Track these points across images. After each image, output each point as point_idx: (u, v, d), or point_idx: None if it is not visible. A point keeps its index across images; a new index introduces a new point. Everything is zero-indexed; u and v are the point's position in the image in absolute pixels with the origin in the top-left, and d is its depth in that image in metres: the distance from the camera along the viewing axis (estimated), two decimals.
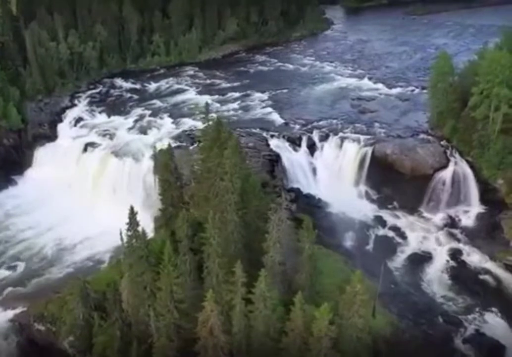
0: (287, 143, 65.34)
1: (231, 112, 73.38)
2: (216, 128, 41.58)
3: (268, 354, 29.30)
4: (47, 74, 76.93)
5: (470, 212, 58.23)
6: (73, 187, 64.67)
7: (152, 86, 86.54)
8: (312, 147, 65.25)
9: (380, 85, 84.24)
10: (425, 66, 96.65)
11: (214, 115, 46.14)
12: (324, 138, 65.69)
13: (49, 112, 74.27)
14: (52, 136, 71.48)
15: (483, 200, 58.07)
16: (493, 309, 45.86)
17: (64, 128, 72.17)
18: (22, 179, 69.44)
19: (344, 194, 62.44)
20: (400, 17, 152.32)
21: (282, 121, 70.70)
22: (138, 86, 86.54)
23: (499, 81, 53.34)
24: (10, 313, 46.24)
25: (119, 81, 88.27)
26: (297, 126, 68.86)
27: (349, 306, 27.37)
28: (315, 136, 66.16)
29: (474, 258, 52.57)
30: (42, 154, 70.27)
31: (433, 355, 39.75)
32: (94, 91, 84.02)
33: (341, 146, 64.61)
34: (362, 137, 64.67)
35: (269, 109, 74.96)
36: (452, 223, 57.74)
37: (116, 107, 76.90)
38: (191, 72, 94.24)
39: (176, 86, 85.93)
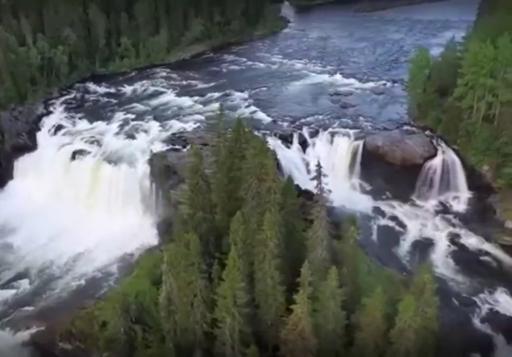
0: (279, 141, 65.73)
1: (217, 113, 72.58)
2: (237, 129, 41.23)
3: (338, 351, 29.39)
4: (19, 81, 72.90)
5: (460, 198, 61.10)
6: (63, 196, 61.76)
7: (128, 89, 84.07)
8: (303, 144, 66.16)
9: (352, 80, 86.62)
10: (388, 60, 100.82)
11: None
12: (314, 134, 66.84)
13: (25, 121, 70.29)
14: (32, 146, 67.83)
15: (470, 185, 61.03)
16: (500, 288, 48.31)
17: (43, 137, 68.57)
18: (3, 192, 65.60)
19: (340, 188, 62.57)
20: (350, 14, 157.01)
21: (270, 119, 70.98)
22: (112, 90, 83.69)
23: (485, 72, 56.29)
24: (26, 334, 43.78)
25: (91, 86, 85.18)
26: (285, 124, 69.46)
27: (418, 296, 28.04)
28: (305, 132, 67.20)
29: (472, 240, 55.11)
30: (24, 165, 66.64)
31: (459, 337, 41.51)
32: (67, 97, 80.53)
33: (331, 141, 65.98)
34: (350, 131, 66.39)
35: (253, 107, 75.04)
36: (444, 209, 60.42)
37: (95, 112, 74.00)
38: (164, 74, 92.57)
39: (152, 89, 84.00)
